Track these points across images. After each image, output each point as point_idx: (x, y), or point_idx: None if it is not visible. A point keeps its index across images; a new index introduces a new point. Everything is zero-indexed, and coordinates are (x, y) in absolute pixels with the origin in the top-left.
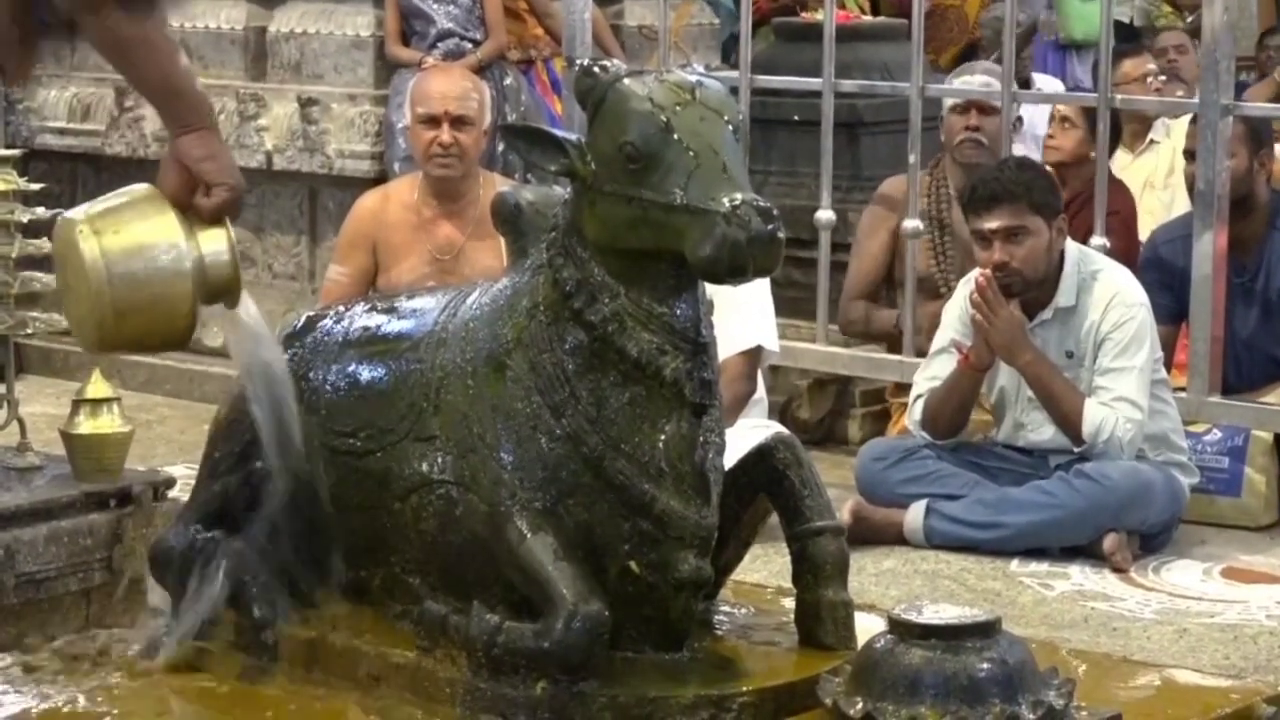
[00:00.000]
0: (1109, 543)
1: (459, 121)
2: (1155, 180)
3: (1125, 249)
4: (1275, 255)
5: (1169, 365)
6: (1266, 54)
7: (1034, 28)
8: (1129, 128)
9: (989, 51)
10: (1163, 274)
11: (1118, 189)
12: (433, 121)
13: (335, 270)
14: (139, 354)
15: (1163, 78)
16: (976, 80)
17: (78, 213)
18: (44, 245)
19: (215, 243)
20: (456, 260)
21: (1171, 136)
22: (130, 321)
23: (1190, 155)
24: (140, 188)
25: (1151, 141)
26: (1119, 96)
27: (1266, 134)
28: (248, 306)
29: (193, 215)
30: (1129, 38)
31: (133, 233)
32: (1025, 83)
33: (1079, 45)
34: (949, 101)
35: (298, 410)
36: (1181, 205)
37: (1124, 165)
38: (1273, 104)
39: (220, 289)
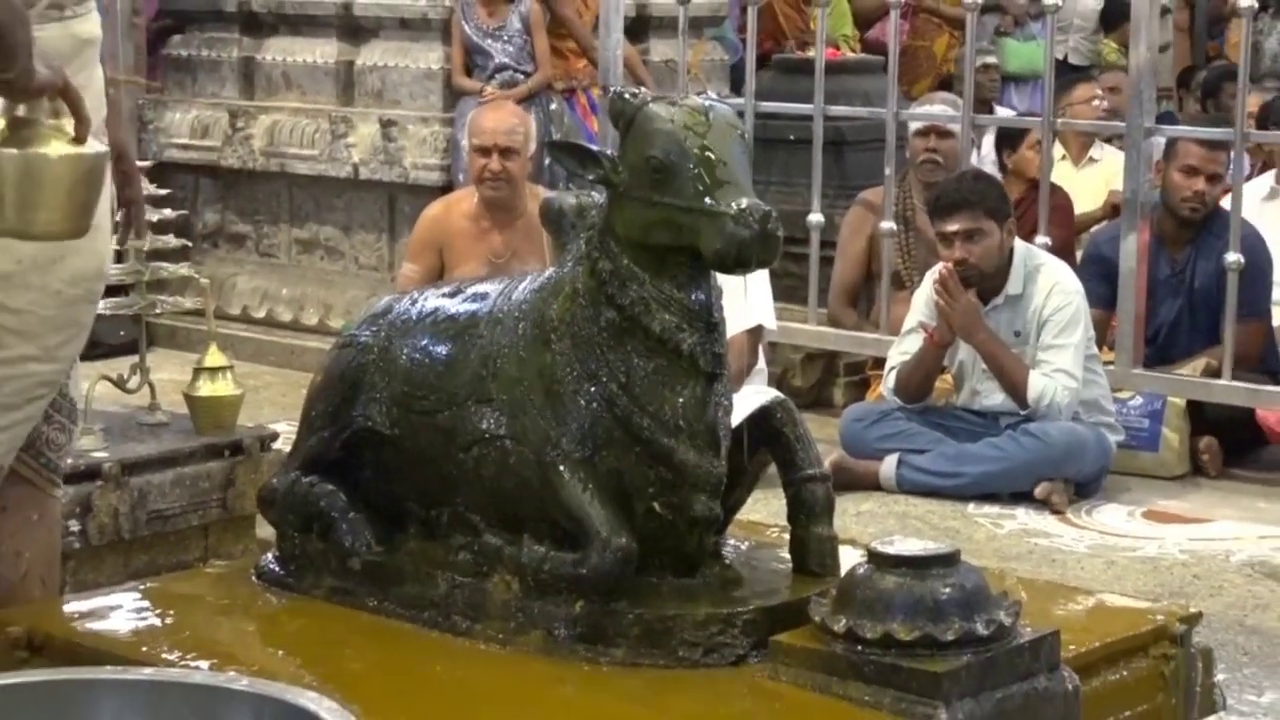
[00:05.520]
0: (1040, 490)
1: (506, 152)
2: (1095, 194)
3: (1064, 237)
4: (1200, 255)
5: (1100, 343)
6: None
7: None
8: (1075, 142)
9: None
10: (1102, 266)
11: (1056, 189)
12: (484, 151)
13: (408, 267)
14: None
15: (1105, 103)
16: (936, 109)
17: None
18: (170, 241)
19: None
20: (509, 264)
21: (1104, 159)
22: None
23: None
24: None
25: (1091, 159)
26: (1059, 120)
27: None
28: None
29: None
30: (1065, 73)
31: None
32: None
33: (1014, 78)
34: (913, 126)
35: (379, 378)
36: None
37: (1067, 175)
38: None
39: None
